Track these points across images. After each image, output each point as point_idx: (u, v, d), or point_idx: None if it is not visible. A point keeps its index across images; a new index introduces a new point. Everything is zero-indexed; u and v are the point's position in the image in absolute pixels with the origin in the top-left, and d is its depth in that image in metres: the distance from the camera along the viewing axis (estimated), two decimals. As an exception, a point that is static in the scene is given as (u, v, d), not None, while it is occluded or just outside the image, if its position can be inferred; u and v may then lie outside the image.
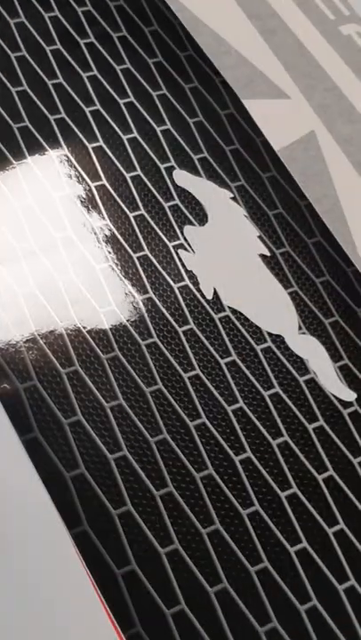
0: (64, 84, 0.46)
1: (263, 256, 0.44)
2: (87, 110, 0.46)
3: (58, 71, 0.46)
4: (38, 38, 0.47)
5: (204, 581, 0.34)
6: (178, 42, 0.50)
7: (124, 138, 0.45)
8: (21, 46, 0.46)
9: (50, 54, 0.47)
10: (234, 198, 0.45)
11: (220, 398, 0.39)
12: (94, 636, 0.32)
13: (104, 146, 0.45)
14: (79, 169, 0.43)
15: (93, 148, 0.44)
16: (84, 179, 0.43)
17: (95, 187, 0.43)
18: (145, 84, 0.48)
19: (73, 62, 0.47)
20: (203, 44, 0.51)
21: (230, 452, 0.38)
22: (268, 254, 0.44)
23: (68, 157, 0.43)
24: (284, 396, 0.40)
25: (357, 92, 0.53)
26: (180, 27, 0.50)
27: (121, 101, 0.47)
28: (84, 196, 0.42)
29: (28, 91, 0.44)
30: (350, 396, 0.41)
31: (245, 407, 0.39)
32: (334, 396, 0.40)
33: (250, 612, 0.34)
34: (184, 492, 0.36)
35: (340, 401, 0.40)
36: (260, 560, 0.35)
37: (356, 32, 0.55)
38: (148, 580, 0.34)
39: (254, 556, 0.36)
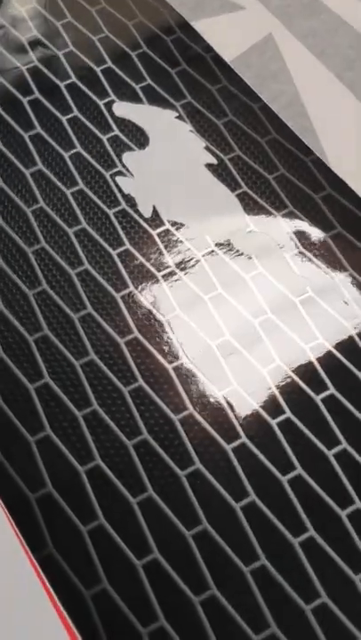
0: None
1: (209, 165, 0.41)
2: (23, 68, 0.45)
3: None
4: None
5: (127, 493, 0.32)
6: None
7: (62, 85, 0.44)
8: None
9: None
10: (179, 117, 0.43)
11: (153, 310, 0.36)
12: (6, 562, 0.31)
13: (39, 96, 0.44)
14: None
15: (29, 100, 0.44)
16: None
17: (29, 136, 0.42)
18: (86, 31, 0.47)
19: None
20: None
21: (164, 362, 0.35)
22: (216, 162, 0.41)
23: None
24: (227, 296, 0.37)
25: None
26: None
27: (60, 53, 0.46)
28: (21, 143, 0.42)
29: None
30: (305, 282, 0.37)
31: (179, 316, 0.36)
32: (286, 287, 0.37)
33: (177, 517, 0.32)
34: (109, 409, 0.34)
35: (292, 291, 0.37)
36: (191, 462, 0.33)
37: None
38: (65, 499, 0.32)
39: (185, 460, 0.33)
